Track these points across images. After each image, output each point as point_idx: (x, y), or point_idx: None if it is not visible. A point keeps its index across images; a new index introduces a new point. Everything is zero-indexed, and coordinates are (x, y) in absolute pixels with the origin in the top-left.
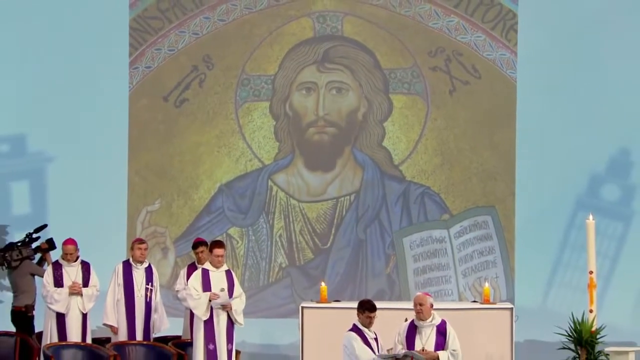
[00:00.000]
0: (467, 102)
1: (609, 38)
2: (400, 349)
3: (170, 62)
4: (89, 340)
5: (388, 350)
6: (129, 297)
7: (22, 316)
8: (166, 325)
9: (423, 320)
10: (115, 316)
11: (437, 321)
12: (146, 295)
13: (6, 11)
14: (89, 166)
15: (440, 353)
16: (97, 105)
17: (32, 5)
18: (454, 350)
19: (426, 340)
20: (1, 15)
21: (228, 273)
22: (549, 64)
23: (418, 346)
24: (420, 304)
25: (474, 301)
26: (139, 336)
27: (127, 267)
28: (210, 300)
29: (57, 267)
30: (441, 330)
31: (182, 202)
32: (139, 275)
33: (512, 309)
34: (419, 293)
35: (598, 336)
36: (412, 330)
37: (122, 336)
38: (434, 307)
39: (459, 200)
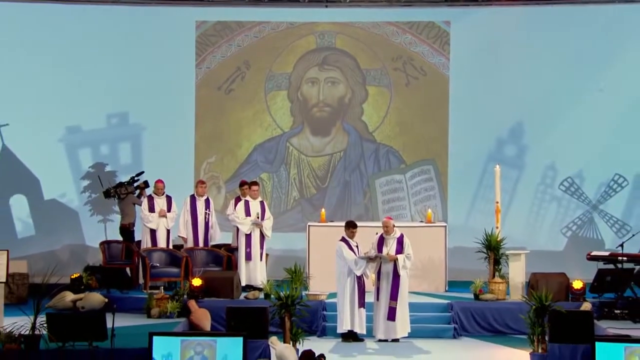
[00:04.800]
0: (417, 91)
1: (509, 49)
2: (373, 253)
3: (222, 65)
4: (170, 246)
5: (365, 253)
6: (194, 218)
7: (127, 230)
8: (219, 237)
9: (388, 234)
10: (185, 231)
11: (397, 234)
12: (205, 217)
13: (120, 36)
14: (170, 133)
15: (399, 256)
16: (175, 93)
17: (136, 30)
18: (408, 254)
19: (390, 247)
20: (118, 39)
21: (261, 203)
22: (470, 66)
23: (385, 252)
24: (387, 226)
25: (421, 221)
26: (201, 244)
27: (193, 199)
28: (252, 223)
29: (150, 198)
30: (400, 241)
31: (230, 156)
32: (200, 204)
33: (445, 226)
34: (384, 218)
35: (502, 244)
36: (381, 241)
37: (190, 244)
38: (395, 225)
39: (411, 156)
